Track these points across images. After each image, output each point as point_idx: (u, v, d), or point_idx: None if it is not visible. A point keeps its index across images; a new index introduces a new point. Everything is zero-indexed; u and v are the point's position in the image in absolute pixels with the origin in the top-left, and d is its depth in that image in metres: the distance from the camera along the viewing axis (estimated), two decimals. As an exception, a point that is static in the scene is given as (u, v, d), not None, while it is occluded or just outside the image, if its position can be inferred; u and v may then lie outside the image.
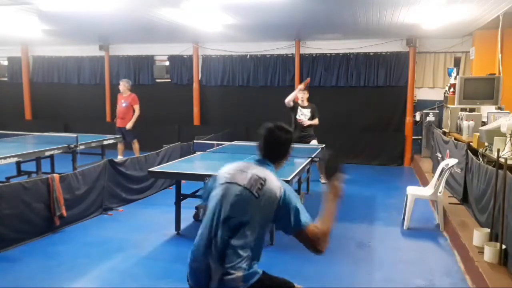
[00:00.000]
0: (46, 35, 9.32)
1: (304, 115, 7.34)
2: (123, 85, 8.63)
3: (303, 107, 7.38)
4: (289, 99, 7.31)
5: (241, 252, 1.90)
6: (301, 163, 5.17)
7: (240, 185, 2.02)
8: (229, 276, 1.87)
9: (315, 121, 7.39)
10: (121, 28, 8.44)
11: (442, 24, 7.12)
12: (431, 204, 5.86)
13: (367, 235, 4.91)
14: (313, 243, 1.97)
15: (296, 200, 2.03)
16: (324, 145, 6.68)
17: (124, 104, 8.55)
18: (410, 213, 5.08)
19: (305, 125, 7.31)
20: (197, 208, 5.32)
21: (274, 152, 2.17)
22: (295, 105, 7.37)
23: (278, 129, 2.18)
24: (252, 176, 2.03)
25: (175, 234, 4.82)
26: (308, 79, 7.81)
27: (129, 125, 8.48)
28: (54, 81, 11.69)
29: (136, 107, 8.56)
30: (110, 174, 5.66)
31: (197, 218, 5.32)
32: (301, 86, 7.48)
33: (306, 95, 7.39)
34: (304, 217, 1.99)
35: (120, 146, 8.63)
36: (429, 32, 8.15)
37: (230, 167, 2.17)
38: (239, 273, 1.87)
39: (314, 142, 7.36)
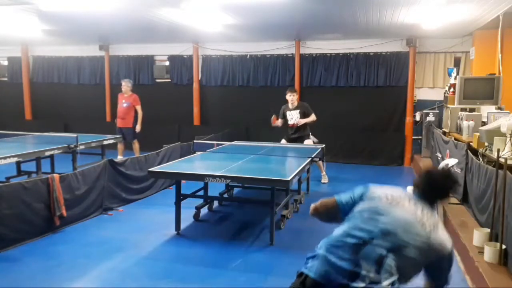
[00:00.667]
0: (46, 35, 9.32)
1: (293, 119, 7.30)
2: (126, 85, 8.57)
3: (291, 109, 7.32)
4: (279, 124, 7.35)
5: (390, 271, 1.82)
6: (301, 163, 5.17)
7: (411, 213, 1.97)
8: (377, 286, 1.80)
9: (311, 118, 7.29)
10: (121, 28, 8.44)
11: (442, 24, 7.12)
12: (431, 204, 5.85)
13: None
14: None
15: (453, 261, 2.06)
16: (324, 145, 6.68)
17: (125, 104, 8.50)
18: (410, 213, 5.07)
19: (300, 125, 7.24)
20: (197, 208, 5.33)
21: (435, 196, 2.14)
22: (284, 114, 7.37)
23: (443, 176, 2.18)
24: (425, 213, 1.99)
25: (175, 234, 4.82)
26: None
27: (138, 128, 8.47)
28: (54, 81, 11.69)
29: (138, 108, 8.54)
30: (110, 174, 5.66)
31: (197, 218, 5.32)
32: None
33: (295, 96, 7.31)
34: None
35: (120, 146, 8.62)
36: (429, 32, 8.15)
37: (390, 190, 2.12)
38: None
39: (308, 141, 7.33)
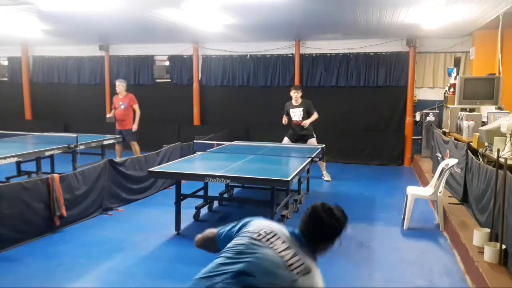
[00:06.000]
0: (46, 35, 9.32)
1: (297, 116, 7.38)
2: (122, 86, 8.31)
3: (295, 106, 7.40)
4: (285, 122, 7.44)
5: None
6: (301, 163, 5.17)
7: (277, 253, 1.77)
8: None
9: (314, 117, 7.37)
10: (121, 28, 8.43)
11: (442, 24, 7.12)
12: (431, 204, 5.86)
13: (367, 235, 4.91)
14: None
15: None
16: (324, 145, 6.68)
17: (122, 106, 8.24)
18: (410, 213, 5.08)
19: (306, 126, 7.31)
20: (197, 208, 5.33)
21: (319, 240, 1.88)
22: (287, 112, 7.46)
23: (331, 216, 1.86)
24: (296, 254, 1.79)
25: (175, 234, 4.82)
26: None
27: (135, 127, 8.22)
28: (54, 81, 11.69)
29: (136, 107, 8.31)
30: (110, 174, 5.66)
31: (197, 218, 5.32)
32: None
33: (299, 93, 7.38)
34: None
35: (118, 148, 8.32)
36: (429, 32, 8.15)
37: (268, 226, 1.90)
38: None
39: (312, 140, 7.37)
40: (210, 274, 1.78)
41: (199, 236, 2.18)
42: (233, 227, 2.01)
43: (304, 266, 1.77)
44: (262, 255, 1.75)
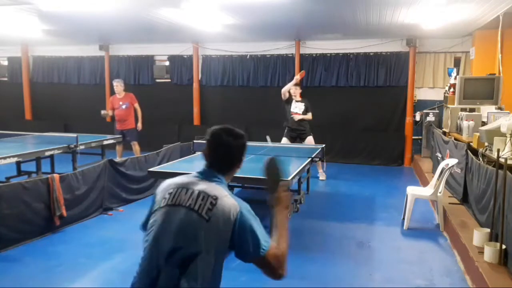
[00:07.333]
0: (46, 35, 9.32)
1: (298, 108, 7.51)
2: (120, 86, 8.29)
3: (297, 101, 7.54)
4: (285, 89, 7.53)
5: None
6: (301, 163, 5.16)
7: (184, 206, 1.66)
8: None
9: (308, 116, 7.50)
10: (121, 28, 8.43)
11: (442, 24, 7.12)
12: (431, 204, 5.86)
13: (367, 235, 4.91)
14: (275, 269, 1.69)
15: (254, 220, 1.69)
16: (324, 145, 6.68)
17: (124, 106, 8.23)
18: (410, 213, 5.08)
19: (297, 119, 7.43)
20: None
21: (224, 161, 1.83)
22: (290, 98, 7.55)
23: (227, 134, 1.83)
24: (200, 193, 1.68)
25: (175, 234, 4.81)
26: (303, 72, 8.12)
27: (140, 126, 8.29)
28: (54, 81, 11.68)
29: (137, 105, 8.34)
30: (110, 174, 5.66)
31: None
32: (297, 77, 7.74)
33: (299, 90, 7.56)
34: (264, 240, 1.67)
35: (119, 148, 8.32)
36: (429, 32, 8.15)
37: (172, 184, 1.78)
38: None
39: (310, 138, 7.44)
40: (150, 267, 1.77)
41: None
42: (149, 212, 1.87)
43: (207, 196, 1.66)
44: (174, 220, 1.65)
